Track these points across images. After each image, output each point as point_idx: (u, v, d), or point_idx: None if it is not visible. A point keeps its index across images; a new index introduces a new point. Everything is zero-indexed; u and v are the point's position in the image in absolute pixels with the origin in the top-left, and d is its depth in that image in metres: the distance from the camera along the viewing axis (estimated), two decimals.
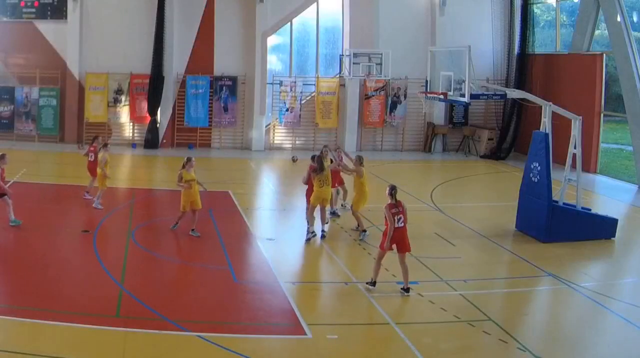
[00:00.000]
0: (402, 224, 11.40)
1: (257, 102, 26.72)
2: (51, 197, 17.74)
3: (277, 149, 27.38)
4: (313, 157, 14.84)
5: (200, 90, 26.57)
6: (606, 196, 20.57)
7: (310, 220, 14.59)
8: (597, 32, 24.42)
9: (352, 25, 27.40)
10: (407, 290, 11.38)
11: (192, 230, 14.23)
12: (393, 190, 11.60)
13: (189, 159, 14.44)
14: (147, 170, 22.48)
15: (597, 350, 9.79)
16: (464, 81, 16.52)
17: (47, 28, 25.97)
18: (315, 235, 14.52)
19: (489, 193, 21.26)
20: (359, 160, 15.23)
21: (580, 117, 15.26)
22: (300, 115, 27.30)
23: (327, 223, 15.04)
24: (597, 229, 15.17)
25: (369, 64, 24.93)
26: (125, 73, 26.13)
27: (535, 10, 27.39)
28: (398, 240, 11.38)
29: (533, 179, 15.27)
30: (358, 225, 15.13)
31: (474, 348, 9.70)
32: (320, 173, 14.38)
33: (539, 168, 15.08)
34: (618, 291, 12.15)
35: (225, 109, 26.89)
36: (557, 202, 15.03)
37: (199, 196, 14.35)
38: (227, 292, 11.40)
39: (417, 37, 27.22)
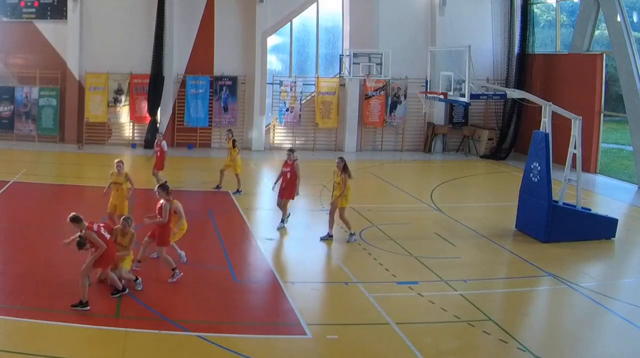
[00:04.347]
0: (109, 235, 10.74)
1: (257, 102, 26.73)
2: (51, 197, 17.72)
3: (277, 149, 27.37)
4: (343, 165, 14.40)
5: (200, 90, 26.57)
6: (606, 196, 20.56)
7: (348, 224, 14.45)
8: (597, 32, 24.42)
9: (352, 25, 27.41)
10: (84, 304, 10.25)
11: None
12: (76, 219, 10.41)
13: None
14: (147, 170, 22.41)
15: (597, 350, 9.79)
16: (464, 81, 16.54)
17: (47, 28, 25.98)
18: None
19: (489, 193, 21.26)
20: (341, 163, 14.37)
21: (580, 117, 15.26)
22: (300, 115, 27.31)
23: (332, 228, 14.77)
24: (597, 229, 15.16)
25: (369, 64, 24.95)
26: (125, 73, 26.13)
27: (535, 10, 27.38)
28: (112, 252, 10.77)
29: (533, 178, 15.27)
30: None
31: (474, 348, 9.70)
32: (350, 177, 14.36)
33: (539, 168, 15.09)
34: (618, 291, 12.14)
35: (225, 109, 26.90)
36: (557, 202, 15.03)
37: (123, 201, 13.87)
38: (227, 292, 11.38)
39: (417, 37, 27.23)
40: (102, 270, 10.74)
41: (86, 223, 10.30)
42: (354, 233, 14.44)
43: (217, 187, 19.02)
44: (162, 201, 11.83)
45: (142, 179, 18.86)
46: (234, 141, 18.88)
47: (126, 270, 11.03)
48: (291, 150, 15.69)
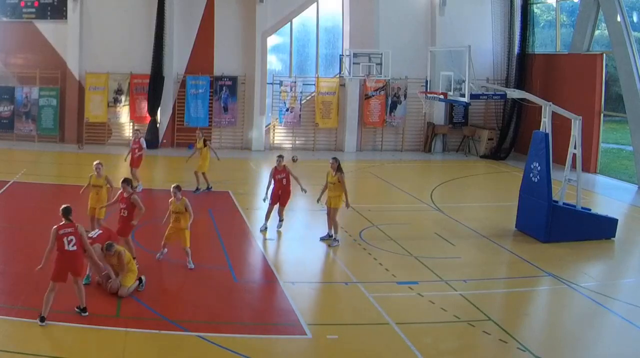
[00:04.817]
0: (75, 248, 9.75)
1: (257, 102, 26.73)
2: (51, 197, 17.71)
3: (277, 149, 27.38)
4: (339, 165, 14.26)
5: (200, 90, 26.57)
6: (606, 196, 20.57)
7: (337, 227, 14.31)
8: (597, 32, 24.42)
9: (352, 25, 27.40)
10: (83, 309, 9.86)
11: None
12: (66, 211, 9.93)
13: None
14: (147, 170, 22.46)
15: (597, 350, 9.80)
16: (464, 81, 16.54)
17: (47, 28, 25.99)
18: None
19: (488, 193, 21.26)
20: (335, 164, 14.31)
21: (580, 117, 15.26)
22: (300, 115, 27.31)
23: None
24: (597, 229, 15.16)
25: (369, 64, 24.97)
26: (125, 73, 26.14)
27: (535, 10, 27.39)
28: (68, 265, 9.76)
29: (533, 178, 15.27)
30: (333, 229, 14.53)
31: (474, 348, 9.71)
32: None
33: (539, 168, 15.09)
34: (618, 291, 12.15)
35: (225, 109, 26.90)
36: (557, 202, 15.04)
37: (102, 204, 13.24)
38: (227, 292, 11.39)
39: (417, 37, 27.23)
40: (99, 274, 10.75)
41: (66, 221, 9.85)
42: (338, 240, 14.23)
43: (208, 188, 18.62)
44: (125, 194, 12.21)
45: (143, 178, 18.88)
46: (204, 141, 18.60)
47: (126, 288, 10.76)
48: (281, 156, 15.24)
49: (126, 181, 12.48)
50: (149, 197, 18.30)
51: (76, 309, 9.84)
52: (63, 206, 10.03)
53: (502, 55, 27.37)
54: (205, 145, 18.52)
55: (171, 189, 12.45)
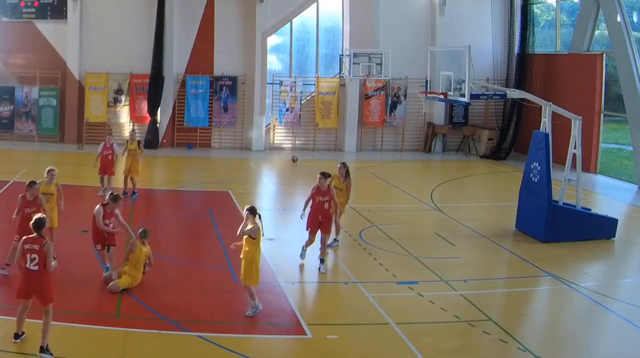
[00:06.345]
0: (36, 268, 8.59)
1: (257, 102, 26.73)
2: None
3: (277, 148, 27.40)
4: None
5: (200, 90, 26.57)
6: (606, 196, 20.57)
7: (339, 229, 14.12)
8: (597, 32, 24.43)
9: (352, 25, 27.41)
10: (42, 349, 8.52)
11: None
12: (36, 225, 8.71)
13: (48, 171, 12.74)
14: (146, 170, 22.46)
15: (597, 350, 9.79)
16: (464, 81, 16.55)
17: (47, 28, 25.98)
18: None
19: (489, 193, 21.27)
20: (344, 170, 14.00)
21: (580, 117, 15.27)
22: (300, 115, 27.31)
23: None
24: (597, 229, 15.16)
25: (369, 64, 25.00)
26: (125, 73, 26.13)
27: (535, 10, 27.40)
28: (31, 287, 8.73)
29: (533, 178, 15.28)
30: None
31: (474, 348, 9.70)
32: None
33: (539, 168, 15.09)
34: (618, 291, 12.15)
35: (225, 109, 26.90)
36: (557, 202, 15.04)
37: (52, 213, 12.22)
38: (227, 292, 11.39)
39: (417, 37, 27.23)
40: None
41: (36, 236, 8.70)
42: (338, 240, 14.16)
43: (133, 193, 17.56)
44: (29, 198, 11.59)
45: (142, 178, 18.85)
46: (139, 142, 17.75)
47: (117, 285, 10.83)
48: (325, 174, 12.73)
49: (30, 184, 11.67)
50: (148, 197, 18.33)
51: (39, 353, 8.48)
52: (36, 217, 8.91)
53: (502, 55, 27.38)
54: (139, 147, 17.51)
55: (245, 211, 10.78)
